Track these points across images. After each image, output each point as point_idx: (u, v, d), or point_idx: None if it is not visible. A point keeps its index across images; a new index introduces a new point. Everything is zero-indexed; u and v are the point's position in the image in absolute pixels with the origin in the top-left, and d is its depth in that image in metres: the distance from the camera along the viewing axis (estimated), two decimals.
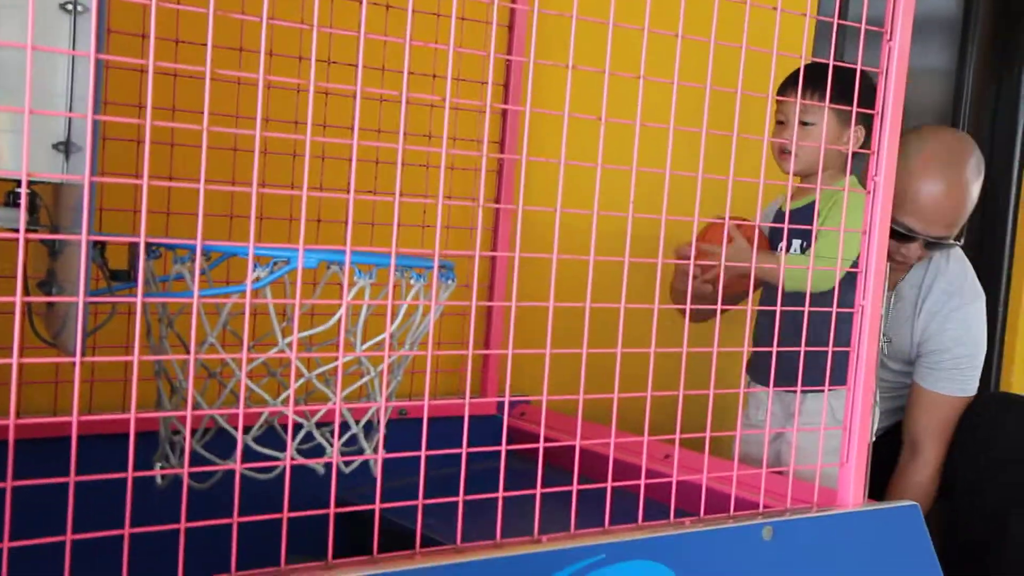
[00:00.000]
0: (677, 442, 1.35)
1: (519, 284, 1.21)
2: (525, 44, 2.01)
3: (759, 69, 1.33)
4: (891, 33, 1.42)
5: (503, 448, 1.21)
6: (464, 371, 2.00)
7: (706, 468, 1.37)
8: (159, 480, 1.36)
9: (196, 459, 1.34)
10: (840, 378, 1.90)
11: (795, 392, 1.88)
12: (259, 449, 1.30)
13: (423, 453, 1.16)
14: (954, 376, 2.29)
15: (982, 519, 2.21)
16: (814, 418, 1.88)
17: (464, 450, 1.18)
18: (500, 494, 1.20)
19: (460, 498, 1.18)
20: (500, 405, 2.04)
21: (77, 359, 0.96)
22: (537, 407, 2.10)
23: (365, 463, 1.39)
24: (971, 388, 2.30)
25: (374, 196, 1.09)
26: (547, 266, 1.24)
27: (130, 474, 0.99)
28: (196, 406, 1.37)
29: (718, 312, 1.42)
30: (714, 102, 1.29)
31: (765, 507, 1.43)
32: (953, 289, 2.29)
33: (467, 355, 2.00)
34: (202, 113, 0.97)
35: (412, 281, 1.29)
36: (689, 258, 1.80)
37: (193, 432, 1.40)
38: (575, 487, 1.26)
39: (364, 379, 1.34)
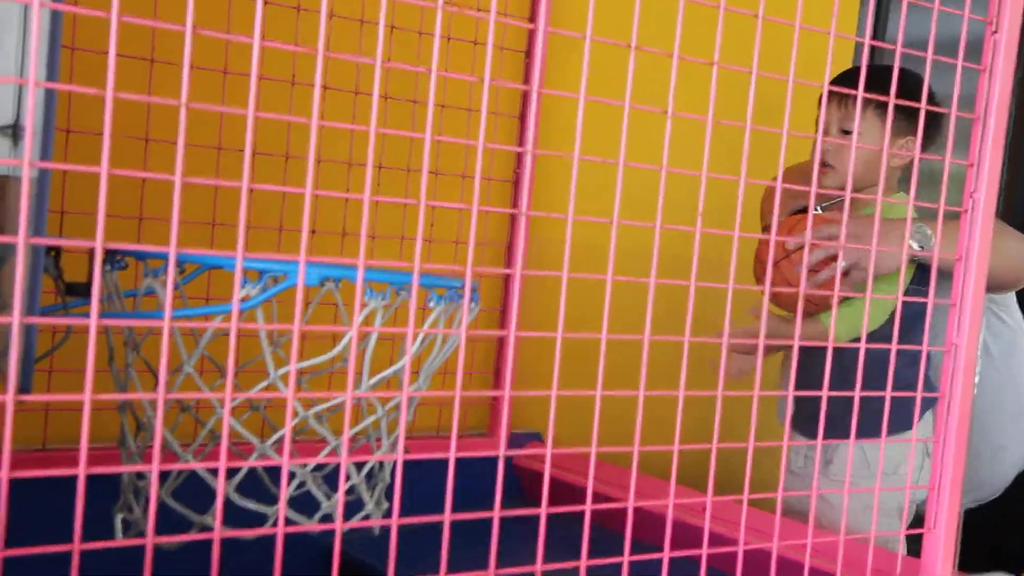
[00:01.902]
0: (746, 501, 1.13)
1: (538, 306, 0.98)
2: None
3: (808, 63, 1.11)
4: (997, 24, 1.21)
5: (543, 510, 0.98)
6: (474, 403, 1.77)
7: (777, 533, 1.15)
8: (119, 536, 1.13)
9: (165, 512, 1.11)
10: (881, 425, 1.69)
11: (833, 442, 1.66)
12: (242, 503, 1.07)
13: (446, 518, 0.93)
14: None
15: None
16: (853, 469, 1.66)
17: (496, 513, 0.95)
18: (538, 567, 0.98)
19: (492, 572, 0.95)
20: (512, 443, 1.81)
21: (9, 396, 0.73)
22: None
23: (359, 503, 1.17)
24: None
25: (403, 200, 0.87)
26: (571, 287, 1.01)
27: (76, 546, 0.76)
28: (167, 447, 1.14)
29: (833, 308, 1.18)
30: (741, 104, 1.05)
31: None
32: None
33: (479, 383, 1.78)
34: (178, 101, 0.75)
35: (431, 304, 1.07)
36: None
37: (162, 478, 1.17)
38: (626, 557, 1.03)
39: (369, 419, 1.12)
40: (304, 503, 1.13)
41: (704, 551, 1.09)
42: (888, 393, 1.24)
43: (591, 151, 0.94)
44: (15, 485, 0.73)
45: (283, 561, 0.87)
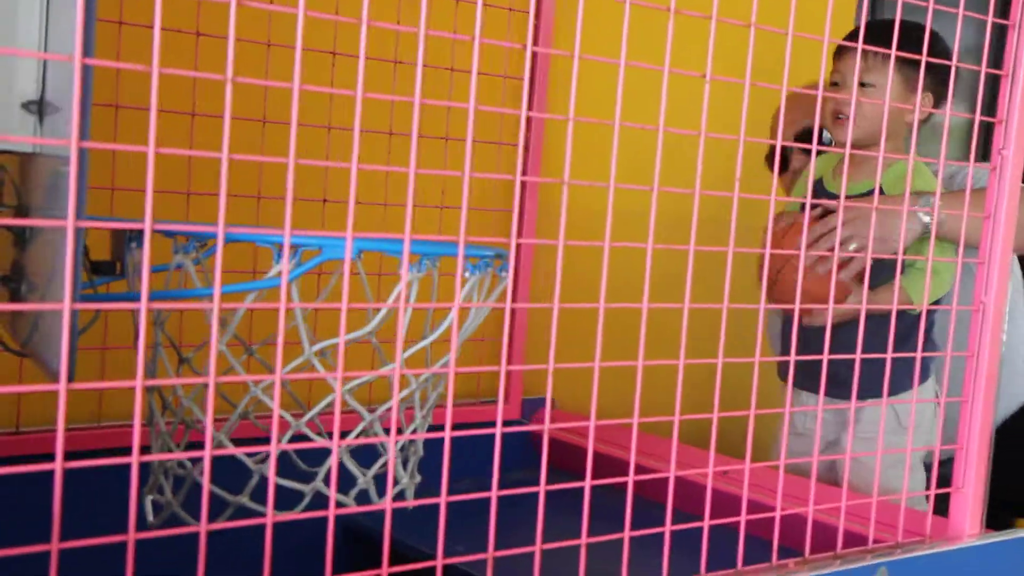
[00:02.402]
0: (782, 468, 1.12)
1: (548, 273, 0.96)
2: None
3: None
4: None
5: (587, 482, 0.97)
6: (487, 371, 1.76)
7: (812, 498, 1.14)
8: (150, 517, 1.11)
9: (196, 492, 1.09)
10: (906, 383, 1.69)
11: (847, 400, 1.66)
12: (280, 482, 1.06)
13: (493, 493, 0.92)
14: None
15: None
16: (873, 427, 1.66)
17: (542, 487, 0.94)
18: (583, 540, 0.97)
19: (538, 547, 0.94)
20: (525, 408, 1.80)
21: (62, 386, 0.71)
22: (564, 411, 1.86)
23: (381, 476, 1.15)
24: None
25: (445, 172, 0.85)
26: (583, 254, 0.99)
27: (131, 536, 0.74)
28: (195, 428, 1.12)
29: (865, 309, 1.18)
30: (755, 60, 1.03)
31: (875, 540, 1.20)
32: None
33: (498, 358, 1.76)
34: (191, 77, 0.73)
35: (467, 274, 1.05)
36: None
37: (193, 459, 1.15)
38: (668, 527, 1.03)
39: (404, 392, 1.10)
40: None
41: (743, 518, 1.08)
42: (919, 353, 1.24)
43: (601, 114, 0.91)
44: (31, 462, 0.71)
45: (313, 537, 0.86)
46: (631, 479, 0.99)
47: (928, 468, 1.67)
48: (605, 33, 1.11)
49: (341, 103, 1.57)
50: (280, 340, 0.79)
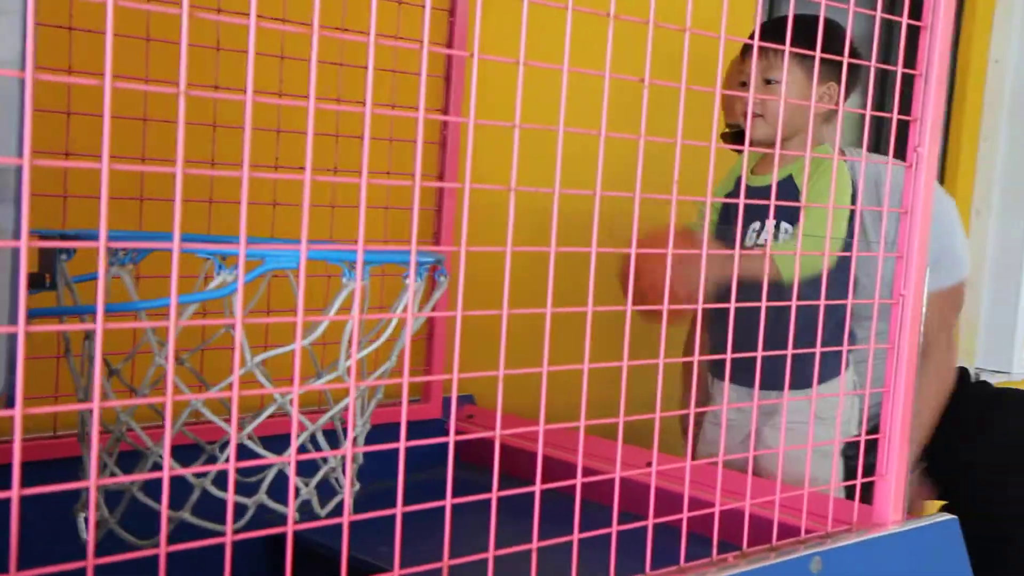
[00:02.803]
0: (720, 463, 1.14)
1: (467, 273, 0.95)
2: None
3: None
4: None
5: (538, 487, 0.98)
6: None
7: (749, 493, 1.17)
8: (84, 535, 1.08)
9: (136, 507, 1.07)
10: (828, 373, 1.73)
11: (764, 390, 1.68)
12: (220, 495, 1.04)
13: (398, 510, 0.92)
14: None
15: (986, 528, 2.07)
16: (795, 416, 1.70)
17: (494, 494, 0.94)
18: (534, 545, 0.97)
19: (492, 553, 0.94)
20: (446, 407, 1.80)
21: (17, 412, 0.69)
22: (485, 409, 1.87)
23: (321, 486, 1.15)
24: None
25: (387, 181, 0.84)
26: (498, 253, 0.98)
27: (90, 562, 0.73)
28: (123, 438, 1.10)
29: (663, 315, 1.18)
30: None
31: (807, 531, 1.23)
32: None
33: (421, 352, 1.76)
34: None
35: (407, 281, 1.05)
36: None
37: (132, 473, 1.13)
38: (615, 528, 1.04)
39: (343, 403, 1.09)
40: (272, 489, 1.11)
41: (684, 515, 1.10)
42: (845, 347, 1.27)
43: (522, 114, 0.90)
44: None
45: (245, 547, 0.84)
46: (579, 481, 1.00)
47: (846, 458, 1.71)
48: (517, 32, 1.09)
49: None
50: (236, 366, 0.78)
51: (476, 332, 1.09)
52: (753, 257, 1.54)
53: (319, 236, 1.56)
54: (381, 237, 1.67)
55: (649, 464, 1.58)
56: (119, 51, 0.69)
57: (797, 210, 1.66)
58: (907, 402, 1.29)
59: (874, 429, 1.34)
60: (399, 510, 0.88)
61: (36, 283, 1.02)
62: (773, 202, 1.21)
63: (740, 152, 1.89)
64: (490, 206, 1.10)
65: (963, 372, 2.37)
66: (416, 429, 1.41)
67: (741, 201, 1.13)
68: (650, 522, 1.06)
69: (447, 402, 1.82)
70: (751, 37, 1.74)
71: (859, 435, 1.31)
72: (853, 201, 1.67)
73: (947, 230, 2.04)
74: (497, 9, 1.09)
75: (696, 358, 1.34)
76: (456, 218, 1.74)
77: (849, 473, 1.66)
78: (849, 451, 1.65)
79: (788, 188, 1.70)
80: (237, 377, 0.77)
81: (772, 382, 1.48)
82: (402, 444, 0.88)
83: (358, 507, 0.89)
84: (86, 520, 1.09)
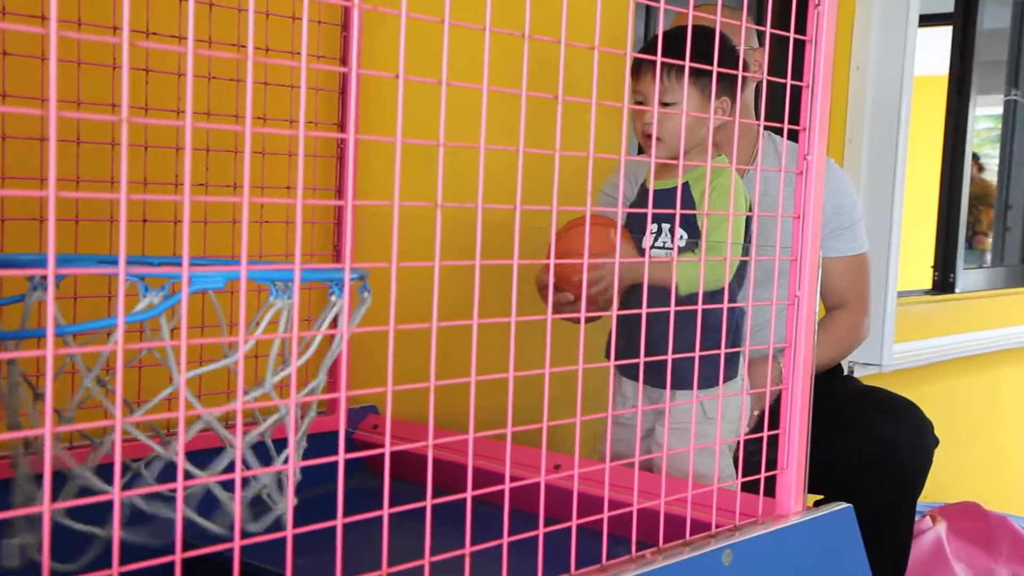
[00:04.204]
0: (636, 464, 1.19)
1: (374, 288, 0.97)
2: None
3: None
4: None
5: (469, 493, 1.00)
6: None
7: (663, 491, 1.21)
8: (13, 561, 1.07)
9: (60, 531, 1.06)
10: (717, 375, 1.79)
11: (664, 389, 1.74)
12: (152, 511, 1.04)
13: (339, 521, 0.94)
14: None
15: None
16: (684, 415, 1.76)
17: (428, 503, 0.97)
18: (467, 548, 1.00)
19: (427, 559, 0.96)
20: (352, 417, 1.81)
21: None
22: (395, 420, 1.88)
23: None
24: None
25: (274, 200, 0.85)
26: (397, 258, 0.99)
27: None
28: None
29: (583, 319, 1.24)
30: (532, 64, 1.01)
31: (717, 525, 1.29)
32: None
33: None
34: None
35: (332, 297, 1.07)
36: (547, 286, 1.60)
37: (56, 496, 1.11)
38: (542, 529, 1.07)
39: (272, 419, 1.10)
40: (203, 505, 1.11)
41: (605, 515, 1.14)
42: (747, 347, 1.33)
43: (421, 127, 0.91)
44: None
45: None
46: (507, 487, 1.03)
47: (748, 453, 1.78)
48: (419, 47, 1.10)
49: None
50: (182, 378, 0.79)
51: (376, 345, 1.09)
52: (658, 265, 1.60)
53: (223, 253, 1.56)
54: (282, 251, 1.68)
55: (556, 467, 1.62)
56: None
57: (693, 217, 1.72)
58: (804, 400, 1.35)
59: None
60: (340, 521, 0.90)
61: None
62: (679, 210, 1.26)
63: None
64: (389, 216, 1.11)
65: (836, 365, 2.48)
66: (323, 441, 1.42)
67: (649, 211, 1.17)
68: (574, 523, 1.10)
69: (353, 412, 1.83)
70: (644, 52, 1.81)
71: (759, 432, 1.36)
72: (749, 209, 1.73)
73: (848, 204, 2.33)
74: (393, 26, 1.10)
75: (613, 363, 1.38)
76: (358, 234, 1.76)
77: (751, 468, 1.73)
78: (750, 447, 1.72)
79: (684, 194, 1.76)
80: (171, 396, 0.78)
81: (658, 379, 1.53)
82: (341, 457, 0.90)
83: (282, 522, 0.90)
84: (15, 546, 1.07)
